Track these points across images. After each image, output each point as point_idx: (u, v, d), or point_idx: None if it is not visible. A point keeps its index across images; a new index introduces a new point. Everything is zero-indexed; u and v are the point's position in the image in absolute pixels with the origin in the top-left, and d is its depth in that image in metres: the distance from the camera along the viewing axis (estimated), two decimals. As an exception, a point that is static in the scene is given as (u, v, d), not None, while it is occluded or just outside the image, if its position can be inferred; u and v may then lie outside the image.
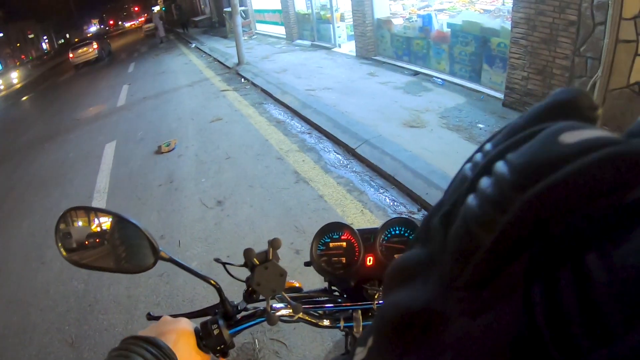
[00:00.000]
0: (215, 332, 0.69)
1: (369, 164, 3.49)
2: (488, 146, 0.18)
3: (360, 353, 0.21)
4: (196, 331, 0.69)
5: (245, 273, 0.71)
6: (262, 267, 0.69)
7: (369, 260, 0.84)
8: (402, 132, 3.91)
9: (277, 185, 3.47)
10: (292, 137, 4.47)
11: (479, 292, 0.14)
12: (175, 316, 0.72)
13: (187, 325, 0.69)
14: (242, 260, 0.71)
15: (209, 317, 0.72)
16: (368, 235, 0.84)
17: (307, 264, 0.87)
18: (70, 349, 2.27)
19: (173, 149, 4.71)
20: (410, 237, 0.86)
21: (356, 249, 0.84)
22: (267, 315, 0.69)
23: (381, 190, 3.19)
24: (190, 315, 0.75)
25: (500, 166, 0.15)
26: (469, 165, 0.18)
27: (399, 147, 3.59)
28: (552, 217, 0.13)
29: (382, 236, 0.85)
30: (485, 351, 0.14)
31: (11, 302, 2.73)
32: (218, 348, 0.70)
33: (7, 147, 6.97)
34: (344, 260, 0.85)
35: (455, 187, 0.18)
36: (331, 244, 0.86)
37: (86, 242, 0.72)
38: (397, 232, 0.85)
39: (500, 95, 4.55)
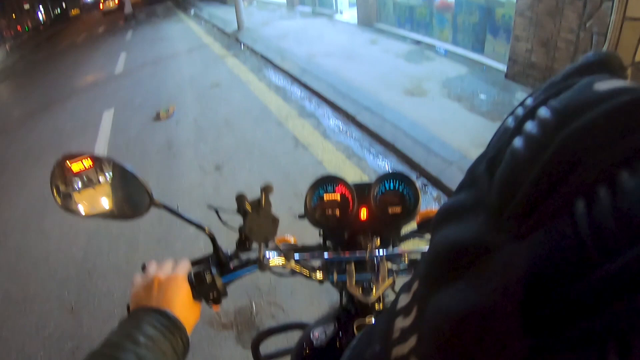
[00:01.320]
0: (208, 279, 0.69)
1: (369, 130, 3.45)
2: (529, 101, 0.19)
3: (403, 299, 0.22)
4: (189, 280, 0.69)
5: (238, 222, 0.70)
6: (254, 213, 0.68)
7: (363, 213, 0.83)
8: (403, 100, 3.85)
9: (276, 150, 3.43)
10: (291, 103, 4.40)
11: (526, 219, 0.16)
12: None
13: (182, 274, 0.69)
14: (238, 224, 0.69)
15: (202, 265, 0.73)
16: (362, 189, 0.83)
17: (301, 217, 0.87)
18: (70, 315, 2.29)
19: (171, 115, 4.64)
20: (405, 191, 0.84)
21: (350, 201, 0.83)
22: (259, 262, 0.69)
23: (380, 157, 3.17)
24: None
25: (543, 110, 0.17)
26: (511, 118, 0.19)
27: (399, 114, 3.54)
28: (589, 148, 0.14)
29: (377, 190, 0.84)
30: (532, 263, 0.15)
31: (11, 272, 2.74)
32: (211, 296, 0.70)
33: (3, 120, 6.83)
34: (338, 212, 0.84)
35: (498, 138, 0.19)
36: (325, 197, 0.85)
37: (81, 189, 0.71)
38: (392, 186, 0.84)
39: (503, 67, 4.44)
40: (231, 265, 0.75)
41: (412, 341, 0.21)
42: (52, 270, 2.65)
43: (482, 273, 0.17)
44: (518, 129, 0.18)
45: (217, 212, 0.76)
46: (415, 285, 0.22)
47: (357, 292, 0.79)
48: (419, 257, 0.83)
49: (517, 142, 0.17)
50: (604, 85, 0.16)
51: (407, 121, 3.43)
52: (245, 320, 2.11)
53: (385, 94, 4.00)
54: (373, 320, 0.80)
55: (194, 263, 0.75)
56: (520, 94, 4.06)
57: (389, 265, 0.82)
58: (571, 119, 0.15)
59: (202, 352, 2.00)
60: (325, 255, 0.83)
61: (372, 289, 0.78)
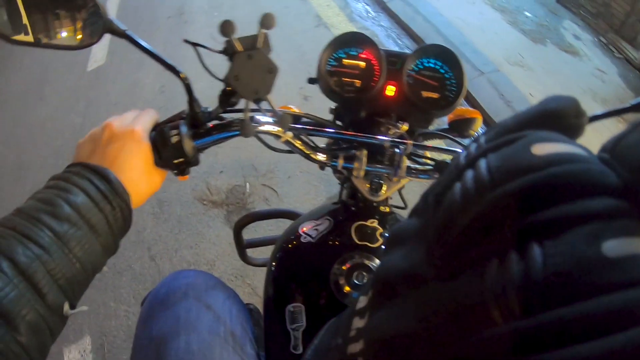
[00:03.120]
0: (174, 139, 0.53)
1: (399, 21, 3.08)
2: (482, 139, 0.19)
3: (362, 301, 0.23)
4: (151, 139, 0.54)
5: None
6: (244, 54, 0.50)
7: (390, 90, 0.66)
8: (442, -2, 3.43)
9: (294, 27, 3.08)
10: (319, -21, 3.93)
11: (450, 262, 0.17)
12: None
13: (142, 128, 0.53)
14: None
15: (171, 123, 0.56)
16: (395, 60, 0.66)
17: (311, 81, 0.69)
18: None
19: (187, -20, 4.20)
20: (447, 74, 0.66)
21: (376, 72, 0.66)
22: (243, 124, 0.53)
23: (407, 51, 2.86)
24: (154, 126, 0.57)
25: (482, 164, 0.17)
26: (464, 153, 0.19)
27: (434, 10, 3.16)
28: (510, 214, 0.15)
29: (413, 65, 0.67)
30: (446, 307, 0.16)
31: (7, 139, 2.57)
32: (176, 162, 0.55)
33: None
34: (358, 83, 0.67)
35: (449, 171, 0.19)
36: (346, 61, 0.68)
37: (23, 13, 0.52)
38: (432, 64, 0.67)
39: None
40: (210, 125, 0.58)
41: (361, 343, 0.22)
42: (49, 138, 2.50)
43: (410, 302, 0.18)
44: (459, 175, 0.18)
45: (195, 48, 0.57)
46: (370, 293, 0.22)
47: (364, 187, 0.66)
48: (449, 159, 0.66)
49: (456, 188, 0.17)
50: (543, 148, 0.16)
51: (442, 19, 3.07)
52: (236, 200, 2.01)
53: (423, -13, 3.55)
54: (376, 224, 0.68)
55: (165, 122, 0.58)
56: (568, 23, 3.67)
57: (407, 162, 0.65)
58: (502, 181, 0.15)
59: (189, 228, 1.91)
60: (333, 132, 0.65)
61: (381, 186, 0.65)
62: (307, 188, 2.04)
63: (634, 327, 0.12)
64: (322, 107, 0.69)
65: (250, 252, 1.06)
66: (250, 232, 0.99)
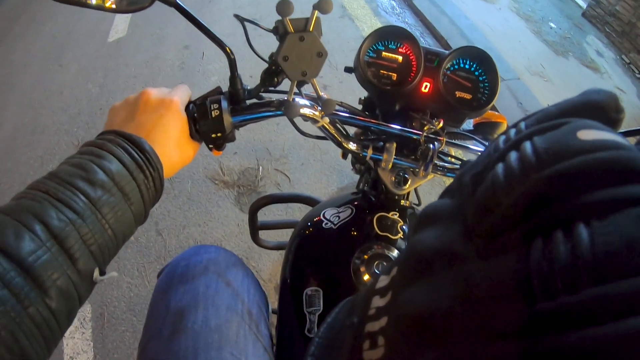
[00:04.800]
0: (214, 113, 0.54)
1: (424, 19, 3.04)
2: (522, 125, 0.19)
3: (383, 280, 0.23)
4: (189, 111, 0.54)
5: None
6: (296, 36, 0.50)
7: (425, 87, 0.66)
8: (468, 0, 3.36)
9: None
10: (347, -29, 3.86)
11: (492, 240, 0.16)
12: None
13: (180, 99, 0.53)
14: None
15: (210, 97, 0.56)
16: (432, 57, 0.66)
17: (348, 70, 0.70)
18: (75, 150, 2.16)
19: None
20: (481, 77, 0.67)
21: (414, 67, 0.66)
22: (287, 104, 0.53)
23: (429, 50, 2.80)
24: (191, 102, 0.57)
25: (527, 146, 0.17)
26: (503, 137, 0.19)
27: (460, 12, 3.10)
28: (557, 194, 0.15)
29: (449, 64, 0.67)
30: (488, 284, 0.16)
31: (25, 104, 2.54)
32: (213, 136, 0.55)
33: None
34: (394, 77, 0.67)
35: (488, 154, 0.19)
36: (384, 54, 0.68)
37: None
38: (468, 65, 0.67)
39: (584, 4, 3.96)
40: (248, 103, 0.59)
41: (382, 321, 0.21)
42: (65, 104, 2.46)
43: (445, 279, 0.18)
44: (502, 156, 0.18)
45: (243, 24, 0.58)
46: (394, 272, 0.22)
47: (389, 179, 0.67)
48: (472, 159, 0.61)
49: (499, 168, 0.17)
50: (589, 134, 0.16)
51: (467, 22, 3.01)
52: (248, 182, 1.97)
53: (450, -11, 3.48)
54: (397, 217, 0.69)
55: (200, 98, 0.58)
56: (592, 38, 3.59)
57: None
58: (548, 163, 0.15)
59: (199, 206, 1.88)
60: (373, 122, 0.65)
61: (406, 180, 0.66)
62: (319, 176, 2.00)
63: None
64: (340, 97, 0.68)
65: (261, 235, 1.04)
66: (260, 216, 0.97)
